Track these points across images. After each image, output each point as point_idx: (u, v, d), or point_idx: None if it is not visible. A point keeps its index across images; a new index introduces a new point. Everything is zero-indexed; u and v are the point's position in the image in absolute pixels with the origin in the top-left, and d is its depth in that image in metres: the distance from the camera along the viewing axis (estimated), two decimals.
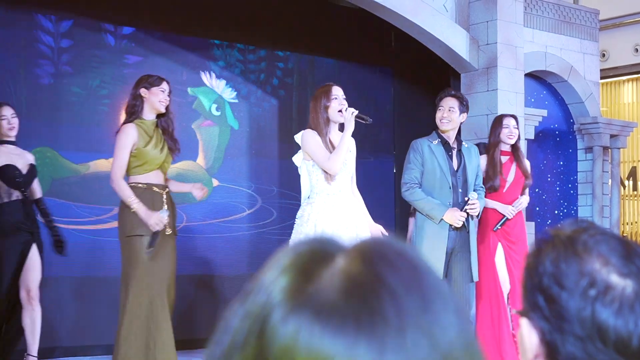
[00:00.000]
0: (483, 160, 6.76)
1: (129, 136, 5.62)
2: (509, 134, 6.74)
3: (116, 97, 7.88)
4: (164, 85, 5.74)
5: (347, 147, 5.57)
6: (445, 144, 6.22)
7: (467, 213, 6.07)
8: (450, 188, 6.14)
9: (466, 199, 6.06)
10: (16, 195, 6.28)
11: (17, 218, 6.22)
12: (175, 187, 5.95)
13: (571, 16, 9.68)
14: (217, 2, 8.57)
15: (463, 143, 6.36)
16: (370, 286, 0.71)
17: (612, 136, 9.81)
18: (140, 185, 5.64)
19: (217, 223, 8.61)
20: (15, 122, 6.38)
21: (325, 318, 0.69)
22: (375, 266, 0.73)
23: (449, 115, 6.20)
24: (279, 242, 8.88)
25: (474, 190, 6.19)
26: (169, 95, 5.75)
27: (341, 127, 5.68)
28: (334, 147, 5.59)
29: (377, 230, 5.81)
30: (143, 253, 5.48)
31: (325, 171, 5.57)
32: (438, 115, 6.23)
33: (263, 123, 9.11)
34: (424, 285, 0.73)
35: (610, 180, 9.83)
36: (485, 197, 6.65)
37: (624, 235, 8.38)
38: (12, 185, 6.26)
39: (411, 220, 6.30)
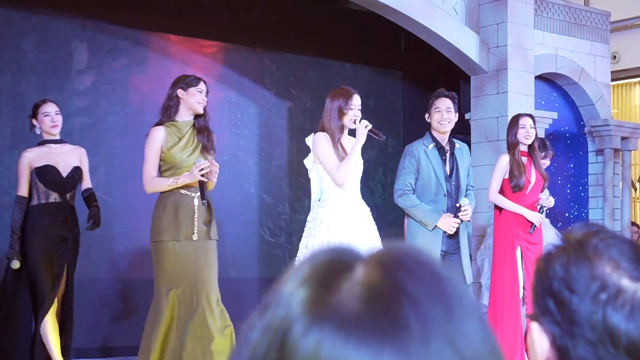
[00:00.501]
0: (506, 158, 6.72)
1: (156, 139, 5.48)
2: (526, 134, 6.67)
3: None
4: (202, 86, 5.58)
5: (356, 158, 5.55)
6: (440, 148, 6.18)
7: (460, 219, 6.05)
8: (445, 195, 6.10)
9: (458, 205, 6.03)
10: (54, 197, 6.05)
11: (51, 220, 6.00)
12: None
13: (582, 18, 9.66)
14: (227, 6, 8.58)
15: (455, 144, 6.29)
16: (391, 295, 0.70)
17: (623, 138, 9.77)
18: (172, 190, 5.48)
19: (227, 225, 8.61)
20: (59, 119, 6.14)
21: (348, 330, 0.68)
22: (395, 275, 0.71)
23: (448, 116, 6.16)
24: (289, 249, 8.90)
25: (466, 192, 6.17)
26: (206, 96, 5.59)
27: (351, 132, 5.66)
28: (345, 152, 5.58)
29: None
30: (170, 258, 5.35)
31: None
32: (436, 117, 6.14)
33: (273, 126, 9.12)
34: (446, 293, 0.72)
35: (621, 182, 9.80)
36: (509, 197, 6.62)
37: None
38: (51, 187, 6.05)
39: (406, 220, 6.26)
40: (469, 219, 6.13)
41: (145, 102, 7.91)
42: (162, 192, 5.46)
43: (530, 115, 6.81)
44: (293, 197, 9.16)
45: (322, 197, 5.64)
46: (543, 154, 7.17)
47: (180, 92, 5.52)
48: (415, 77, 9.95)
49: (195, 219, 5.43)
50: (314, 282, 0.72)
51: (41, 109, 6.11)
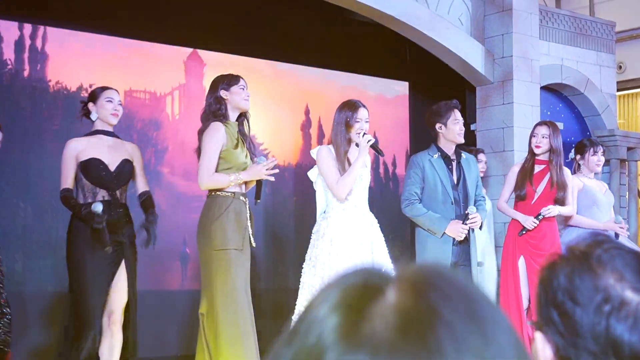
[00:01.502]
0: (516, 168, 6.75)
1: (220, 134, 5.28)
2: (536, 143, 6.67)
3: None
4: (242, 82, 5.44)
5: (357, 173, 5.54)
6: (445, 157, 6.18)
7: (469, 226, 6.05)
8: (452, 203, 6.10)
9: (466, 212, 6.03)
10: (102, 195, 5.38)
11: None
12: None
13: (587, 28, 9.66)
14: (233, 17, 8.60)
15: (462, 154, 6.30)
16: (425, 321, 0.68)
17: (629, 149, 9.76)
18: (226, 193, 5.31)
19: None
20: (120, 110, 5.55)
21: (383, 359, 0.66)
22: (428, 298, 0.69)
23: (462, 127, 6.18)
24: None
25: (474, 202, 6.17)
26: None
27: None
28: (350, 164, 5.59)
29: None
30: (233, 268, 5.19)
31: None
32: (457, 128, 6.13)
33: (280, 135, 9.12)
34: (479, 314, 0.70)
35: (627, 192, 9.79)
36: (515, 207, 6.65)
37: None
38: (96, 183, 5.36)
39: (415, 230, 6.26)
40: (477, 226, 6.13)
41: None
42: (214, 197, 5.30)
43: (548, 124, 6.73)
44: (297, 214, 9.16)
45: (327, 209, 5.65)
46: (592, 151, 7.14)
47: (223, 92, 5.38)
48: (421, 88, 9.96)
49: (249, 226, 5.36)
50: (345, 309, 0.70)
51: (105, 93, 5.51)
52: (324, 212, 5.67)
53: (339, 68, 9.49)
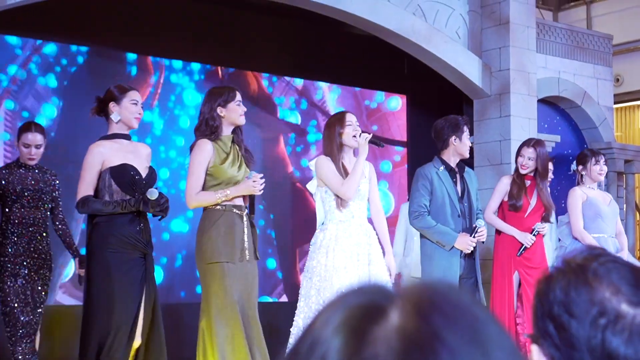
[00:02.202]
0: (507, 180, 6.74)
1: (205, 152, 5.24)
2: (522, 164, 6.68)
3: None
4: (238, 97, 5.38)
5: (361, 172, 5.58)
6: (450, 170, 6.21)
7: (477, 239, 6.07)
8: (459, 215, 6.12)
9: (474, 226, 6.05)
10: None
11: (131, 232, 4.99)
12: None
13: (584, 41, 9.69)
14: (228, 30, 8.62)
15: (465, 168, 6.33)
16: (427, 346, 0.67)
17: (626, 161, 9.78)
18: (216, 207, 5.23)
19: None
20: (142, 113, 5.26)
21: None
22: (430, 321, 0.68)
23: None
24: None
25: (477, 216, 6.20)
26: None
27: (355, 153, 5.71)
28: (347, 172, 5.60)
29: (389, 264, 5.73)
30: (226, 281, 5.12)
31: (339, 197, 5.58)
32: (467, 143, 6.22)
33: (275, 149, 9.14)
34: (484, 340, 0.69)
35: (625, 205, 9.79)
36: (506, 219, 6.64)
37: None
38: (128, 190, 5.04)
39: (421, 242, 6.26)
40: (484, 239, 6.16)
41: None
42: (209, 210, 5.25)
43: (535, 145, 6.72)
44: (294, 221, 9.16)
45: (325, 220, 5.67)
46: (594, 160, 7.10)
47: (220, 110, 5.31)
48: (419, 101, 9.98)
49: (246, 239, 5.27)
50: (348, 331, 0.69)
51: (129, 94, 5.17)
52: (322, 223, 5.69)
53: (337, 81, 9.51)
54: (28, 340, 5.66)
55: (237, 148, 5.41)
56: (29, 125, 5.95)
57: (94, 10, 7.89)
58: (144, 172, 5.14)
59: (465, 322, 0.69)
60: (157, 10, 8.24)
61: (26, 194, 5.86)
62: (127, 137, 5.20)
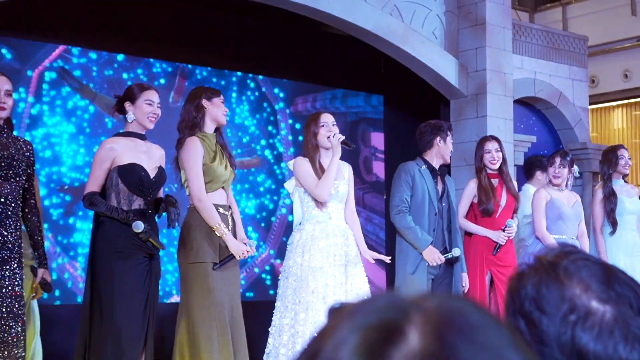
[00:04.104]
0: (473, 184, 6.77)
1: (198, 149, 5.20)
2: (491, 159, 6.72)
3: None
4: (222, 96, 5.40)
5: (334, 174, 5.60)
6: (432, 170, 6.26)
7: (444, 260, 6.15)
8: (436, 214, 6.18)
9: (450, 255, 6.17)
10: (138, 203, 4.97)
11: (137, 233, 4.88)
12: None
13: (560, 43, 9.75)
14: (207, 29, 8.61)
15: (446, 174, 6.44)
16: None
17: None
18: None
19: None
20: (159, 112, 5.13)
21: None
22: (452, 346, 0.66)
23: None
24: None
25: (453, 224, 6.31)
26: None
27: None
28: (323, 171, 5.62)
29: (369, 256, 5.80)
30: (210, 281, 5.10)
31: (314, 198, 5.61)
32: (450, 146, 6.33)
33: (255, 148, 9.13)
34: (504, 357, 0.67)
35: None
36: (478, 222, 6.68)
37: None
38: (135, 191, 4.95)
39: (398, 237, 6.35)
40: (465, 286, 6.33)
41: None
42: (191, 210, 5.24)
43: (496, 139, 6.84)
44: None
45: (302, 220, 5.69)
46: (558, 164, 7.11)
47: (205, 102, 5.30)
48: (396, 101, 10.00)
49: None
50: (367, 355, 0.66)
51: (145, 94, 5.07)
52: (300, 223, 5.71)
53: (314, 81, 9.51)
54: None
55: (221, 149, 5.41)
56: None
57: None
58: (153, 173, 5.04)
59: (488, 344, 0.67)
60: (128, 10, 8.21)
61: None
62: (142, 136, 5.09)
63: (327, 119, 5.73)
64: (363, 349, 0.66)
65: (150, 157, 5.07)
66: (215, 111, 5.34)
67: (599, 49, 11.27)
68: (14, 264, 4.68)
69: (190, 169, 5.21)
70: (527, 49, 9.39)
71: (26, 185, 4.84)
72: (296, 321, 5.37)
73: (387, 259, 5.84)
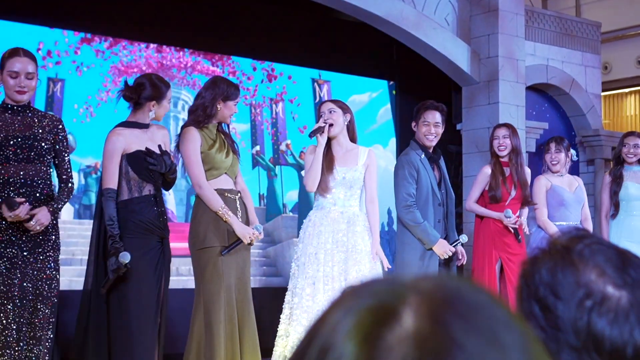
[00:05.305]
0: (486, 169, 6.74)
1: (195, 139, 5.27)
2: (499, 145, 6.69)
3: None
4: (239, 98, 5.46)
5: (317, 165, 5.58)
6: (430, 158, 6.20)
7: (455, 250, 6.12)
8: (439, 204, 6.14)
9: (457, 239, 6.12)
10: (148, 189, 4.98)
11: (149, 217, 4.92)
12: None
13: (573, 29, 9.70)
14: (218, 17, 8.59)
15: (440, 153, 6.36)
16: (445, 353, 0.64)
17: (613, 148, 9.79)
18: None
19: None
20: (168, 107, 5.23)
21: None
22: (447, 325, 0.65)
23: (435, 130, 6.19)
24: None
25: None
26: None
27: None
28: (330, 160, 5.63)
29: (375, 251, 5.68)
30: (219, 265, 5.17)
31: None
32: (423, 130, 6.17)
33: (263, 135, 9.13)
34: (504, 344, 0.66)
35: None
36: (489, 208, 6.65)
37: None
38: (146, 178, 4.98)
39: (399, 229, 6.30)
40: (464, 262, 6.24)
41: None
42: (200, 199, 5.30)
43: (507, 125, 6.79)
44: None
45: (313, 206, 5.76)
46: (554, 149, 7.09)
47: (220, 104, 5.35)
48: (407, 88, 9.97)
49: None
50: (361, 337, 0.66)
51: (170, 92, 5.20)
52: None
53: (325, 68, 9.49)
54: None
55: (223, 136, 5.45)
56: (17, 50, 4.79)
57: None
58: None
59: (483, 324, 0.66)
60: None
61: (12, 142, 4.66)
62: (145, 125, 5.11)
63: (323, 108, 5.74)
64: (356, 331, 0.66)
65: (154, 141, 5.08)
66: (226, 113, 5.41)
67: (612, 35, 11.21)
68: (47, 247, 4.70)
69: (187, 158, 5.30)
70: (539, 35, 9.35)
71: (56, 162, 4.82)
72: (292, 305, 5.43)
73: (386, 267, 5.77)
